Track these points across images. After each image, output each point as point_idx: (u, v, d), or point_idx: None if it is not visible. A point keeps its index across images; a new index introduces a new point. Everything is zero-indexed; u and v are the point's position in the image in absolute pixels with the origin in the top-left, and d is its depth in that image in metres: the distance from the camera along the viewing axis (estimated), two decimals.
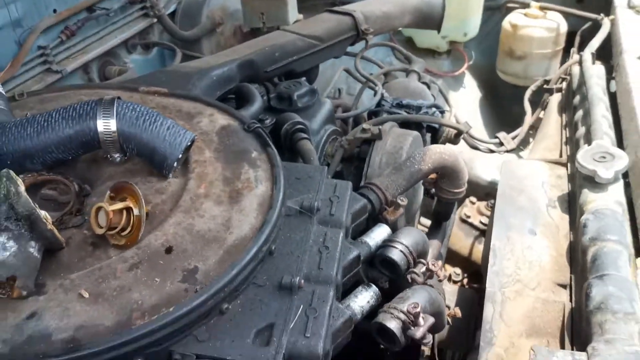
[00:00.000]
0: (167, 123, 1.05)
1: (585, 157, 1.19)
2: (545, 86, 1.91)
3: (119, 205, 0.88)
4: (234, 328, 0.83)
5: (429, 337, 0.88)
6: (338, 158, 1.37)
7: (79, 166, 1.08)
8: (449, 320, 1.24)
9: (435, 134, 1.62)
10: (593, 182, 1.16)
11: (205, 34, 2.30)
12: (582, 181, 1.19)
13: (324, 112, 1.47)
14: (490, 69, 2.62)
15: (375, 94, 1.67)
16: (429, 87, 1.87)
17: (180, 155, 1.03)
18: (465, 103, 2.61)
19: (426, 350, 1.42)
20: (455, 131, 1.58)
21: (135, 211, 0.89)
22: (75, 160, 1.07)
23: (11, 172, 0.84)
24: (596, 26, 2.19)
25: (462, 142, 1.80)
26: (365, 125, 1.37)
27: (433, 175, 1.27)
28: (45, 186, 1.03)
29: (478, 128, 2.61)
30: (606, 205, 1.10)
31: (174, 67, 1.65)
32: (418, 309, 0.86)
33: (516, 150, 1.92)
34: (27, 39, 1.70)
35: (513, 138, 1.86)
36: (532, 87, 2.00)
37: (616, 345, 0.83)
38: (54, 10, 1.81)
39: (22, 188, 0.81)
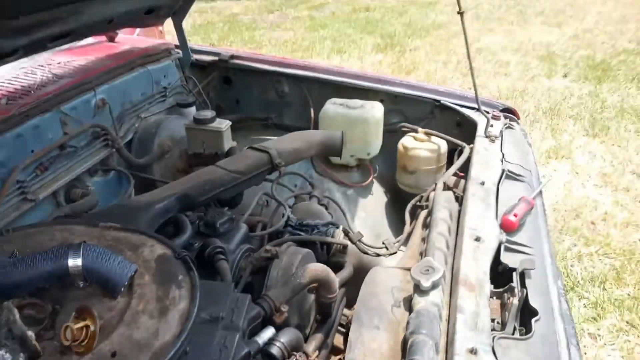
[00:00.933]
0: (118, 259, 1.48)
1: (415, 270, 1.68)
2: (418, 203, 2.44)
3: (81, 324, 1.30)
4: None
5: None
6: (248, 272, 1.82)
7: (52, 291, 1.49)
8: None
9: (329, 247, 2.10)
10: (419, 289, 1.64)
11: (156, 159, 2.78)
12: (414, 287, 1.67)
13: (240, 235, 1.93)
14: (393, 178, 3.17)
15: (283, 216, 2.15)
16: (326, 208, 2.37)
17: (126, 283, 1.45)
18: (373, 208, 3.12)
19: None
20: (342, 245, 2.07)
21: (92, 327, 1.30)
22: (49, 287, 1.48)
23: (10, 303, 1.25)
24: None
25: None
26: (267, 247, 1.83)
27: (315, 285, 1.72)
28: (26, 307, 1.43)
29: (385, 229, 3.12)
30: (425, 306, 1.58)
31: (127, 202, 2.10)
32: None
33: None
34: (10, 177, 2.12)
35: (395, 243, 2.35)
36: (412, 202, 2.53)
37: None
38: (32, 151, 2.25)
39: (17, 316, 1.22)
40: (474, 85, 2.77)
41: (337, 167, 3.18)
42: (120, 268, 1.47)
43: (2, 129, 2.15)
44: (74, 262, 1.44)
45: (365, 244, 2.32)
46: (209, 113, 2.70)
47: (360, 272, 2.27)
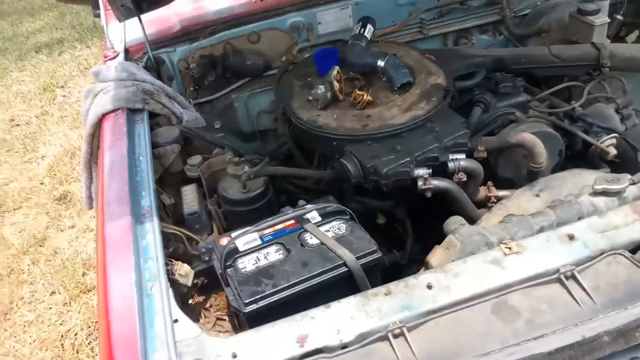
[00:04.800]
0: (403, 71, 2.28)
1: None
2: None
3: (360, 92, 2.23)
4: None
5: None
6: (494, 125, 2.27)
7: (372, 77, 2.43)
8: None
9: (588, 147, 2.21)
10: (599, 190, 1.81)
11: (533, 35, 3.17)
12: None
13: (514, 100, 2.31)
14: None
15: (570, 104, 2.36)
16: (623, 118, 2.32)
17: (398, 85, 2.26)
18: None
19: None
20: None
21: (365, 97, 2.21)
22: (373, 72, 2.44)
23: (337, 68, 2.28)
24: None
25: None
26: (519, 114, 2.22)
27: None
28: (354, 79, 2.45)
29: None
30: (583, 201, 1.78)
31: (458, 48, 2.73)
32: None
33: None
34: (415, 11, 3.06)
35: None
36: None
37: None
38: (437, 0, 3.10)
39: (334, 73, 2.24)
40: None
41: None
42: (400, 76, 2.28)
43: None
44: (380, 62, 2.34)
45: None
46: (592, 5, 2.84)
47: None
